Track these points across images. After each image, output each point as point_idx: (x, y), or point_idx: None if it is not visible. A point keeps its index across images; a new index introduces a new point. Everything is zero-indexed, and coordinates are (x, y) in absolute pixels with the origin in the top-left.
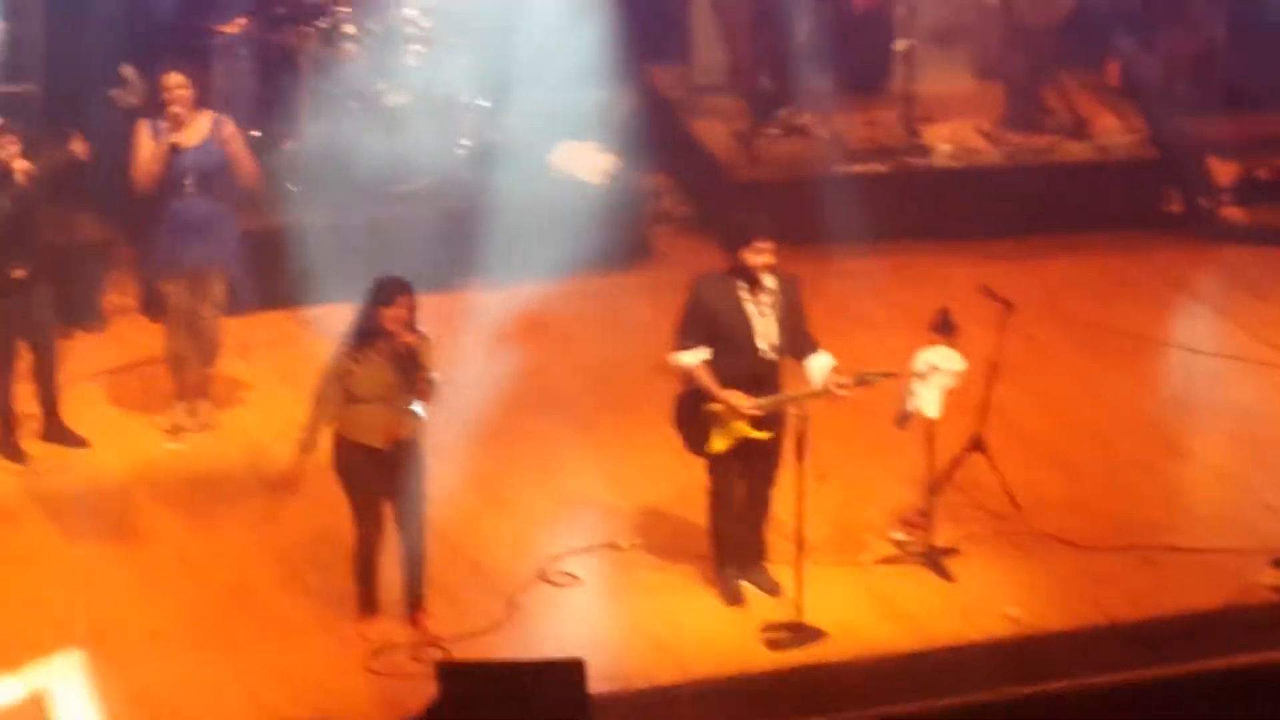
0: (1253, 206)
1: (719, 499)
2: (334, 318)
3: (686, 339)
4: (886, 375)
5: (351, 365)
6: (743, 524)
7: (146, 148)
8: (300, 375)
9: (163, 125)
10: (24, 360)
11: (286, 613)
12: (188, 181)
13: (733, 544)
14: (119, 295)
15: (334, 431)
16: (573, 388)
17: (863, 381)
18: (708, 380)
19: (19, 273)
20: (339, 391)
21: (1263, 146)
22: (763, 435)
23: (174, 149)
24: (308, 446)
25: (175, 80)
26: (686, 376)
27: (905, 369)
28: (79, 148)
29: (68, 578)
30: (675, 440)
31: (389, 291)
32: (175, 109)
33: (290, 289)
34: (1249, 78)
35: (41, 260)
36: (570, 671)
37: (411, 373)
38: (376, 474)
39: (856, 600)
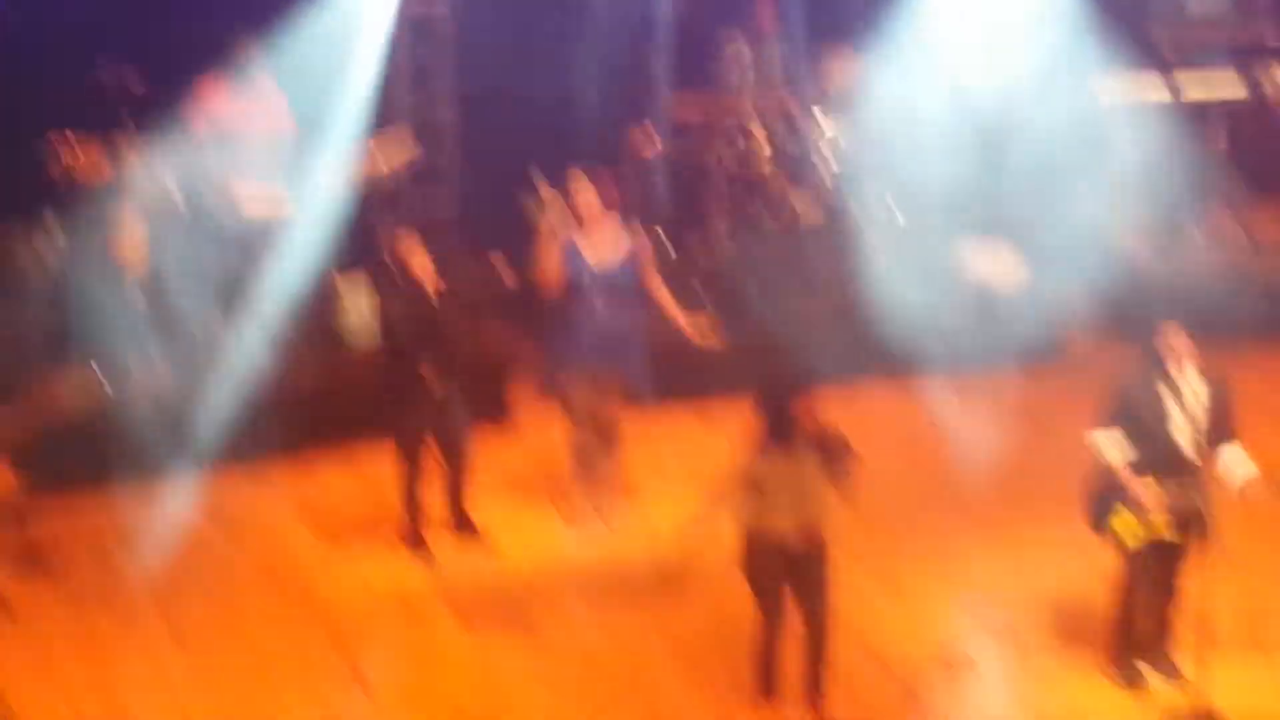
0: None
1: (1129, 590)
2: (735, 411)
3: (1106, 424)
4: None
5: (762, 459)
6: (1149, 611)
7: (557, 260)
8: (703, 469)
9: (579, 240)
10: (438, 461)
11: (683, 705)
12: (598, 296)
13: (1137, 631)
14: (523, 388)
15: (742, 525)
16: (974, 482)
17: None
18: (1120, 465)
19: (435, 376)
20: (748, 486)
21: None
22: (1174, 535)
23: (586, 264)
24: (706, 537)
25: (586, 190)
26: (1099, 457)
27: None
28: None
29: (468, 670)
30: (1076, 535)
31: (800, 382)
32: (588, 218)
33: (693, 382)
34: None
35: (453, 367)
36: None
37: (832, 462)
38: (785, 566)
39: (1264, 689)
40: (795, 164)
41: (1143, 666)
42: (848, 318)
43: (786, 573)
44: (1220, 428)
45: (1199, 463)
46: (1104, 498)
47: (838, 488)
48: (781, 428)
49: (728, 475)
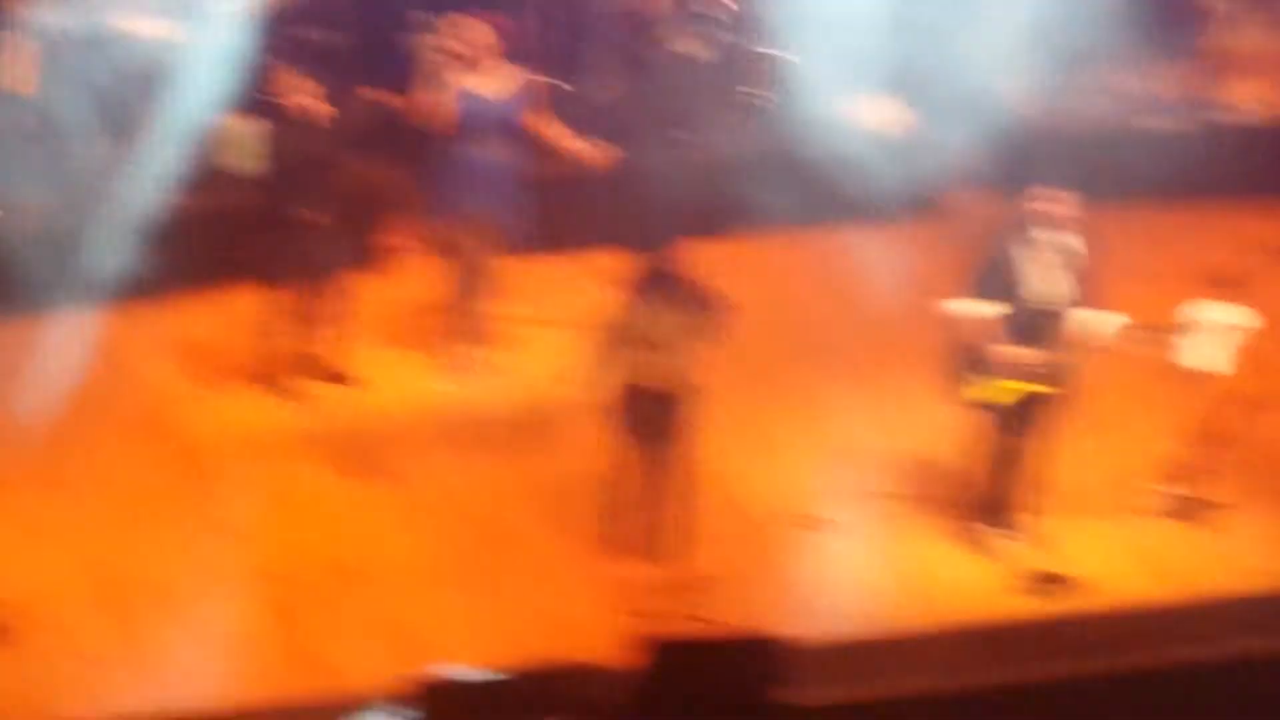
0: None
1: (986, 453)
2: (615, 262)
3: (971, 289)
4: (1167, 334)
5: (635, 309)
6: (1010, 475)
7: (447, 90)
8: (577, 319)
9: (468, 73)
10: (310, 301)
11: (545, 552)
12: (488, 131)
13: (996, 496)
14: (402, 235)
15: (614, 375)
16: (845, 335)
17: (1146, 338)
18: (990, 335)
19: (314, 216)
20: (620, 335)
21: None
22: (1040, 389)
23: (477, 96)
24: (582, 386)
25: (476, 28)
26: (971, 327)
27: (1191, 324)
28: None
29: (334, 513)
30: (944, 391)
31: (676, 235)
32: (479, 58)
33: (573, 233)
34: None
35: (335, 204)
36: (770, 648)
37: (704, 315)
38: (653, 416)
39: (1119, 552)
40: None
41: (998, 527)
42: (731, 164)
43: (653, 423)
44: (1084, 286)
45: (1064, 324)
46: (964, 360)
47: (708, 339)
48: (655, 278)
49: (601, 324)
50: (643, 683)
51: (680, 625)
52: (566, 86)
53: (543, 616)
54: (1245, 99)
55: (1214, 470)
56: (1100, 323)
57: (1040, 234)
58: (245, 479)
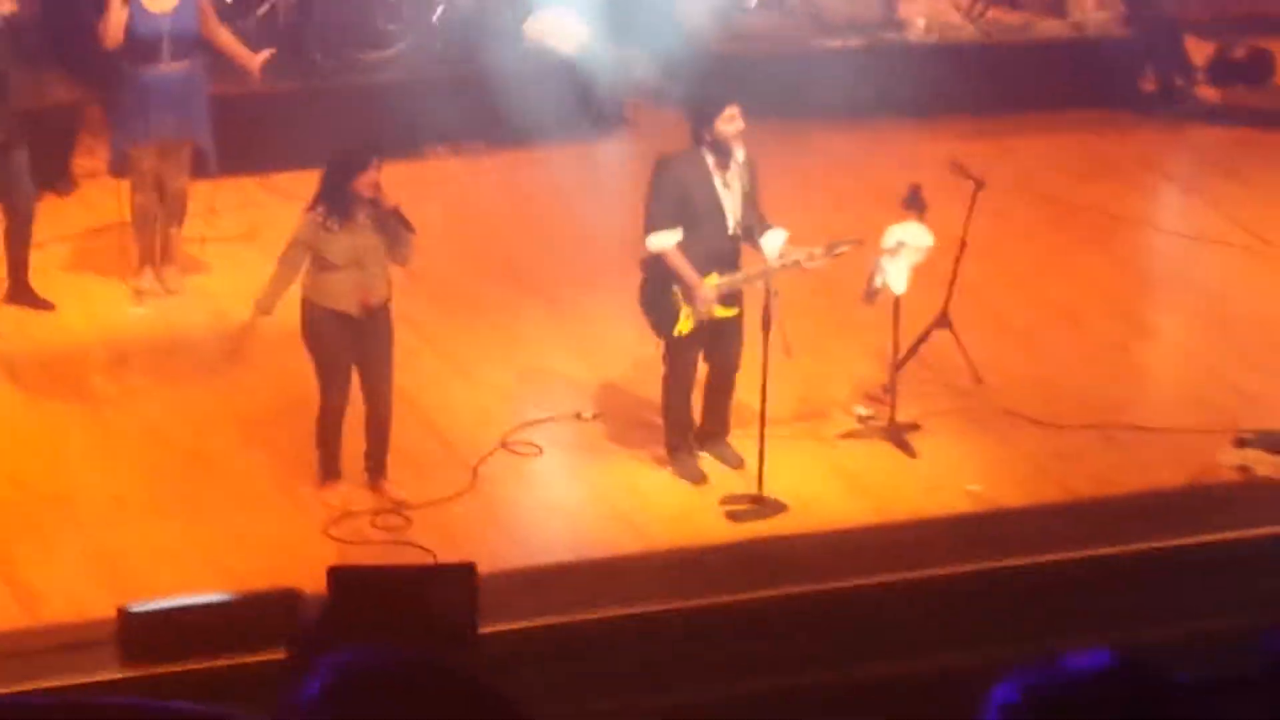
0: (1227, 87)
1: (678, 379)
2: (301, 184)
3: (658, 219)
4: (855, 244)
5: (323, 231)
6: (707, 400)
7: (115, 7)
8: (268, 241)
9: None
10: None
11: (247, 477)
12: (160, 46)
13: (691, 421)
14: (88, 158)
15: (304, 298)
16: (540, 259)
17: (831, 251)
18: (680, 264)
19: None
20: (309, 258)
21: (1238, 26)
22: (729, 313)
23: (145, 11)
24: (265, 309)
25: None
26: (659, 259)
27: (874, 244)
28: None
29: (29, 440)
30: (640, 314)
31: (363, 156)
32: None
33: (259, 154)
34: None
35: (14, 123)
36: (462, 576)
37: (392, 236)
38: (347, 340)
39: (818, 474)
40: None
41: (699, 451)
42: (413, 82)
43: (348, 345)
44: (755, 208)
45: (749, 245)
46: (658, 295)
47: (398, 261)
48: (342, 199)
49: (289, 247)
50: (337, 611)
51: (382, 551)
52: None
53: (247, 543)
54: (914, 17)
55: (905, 390)
56: (773, 244)
57: (721, 154)
58: None
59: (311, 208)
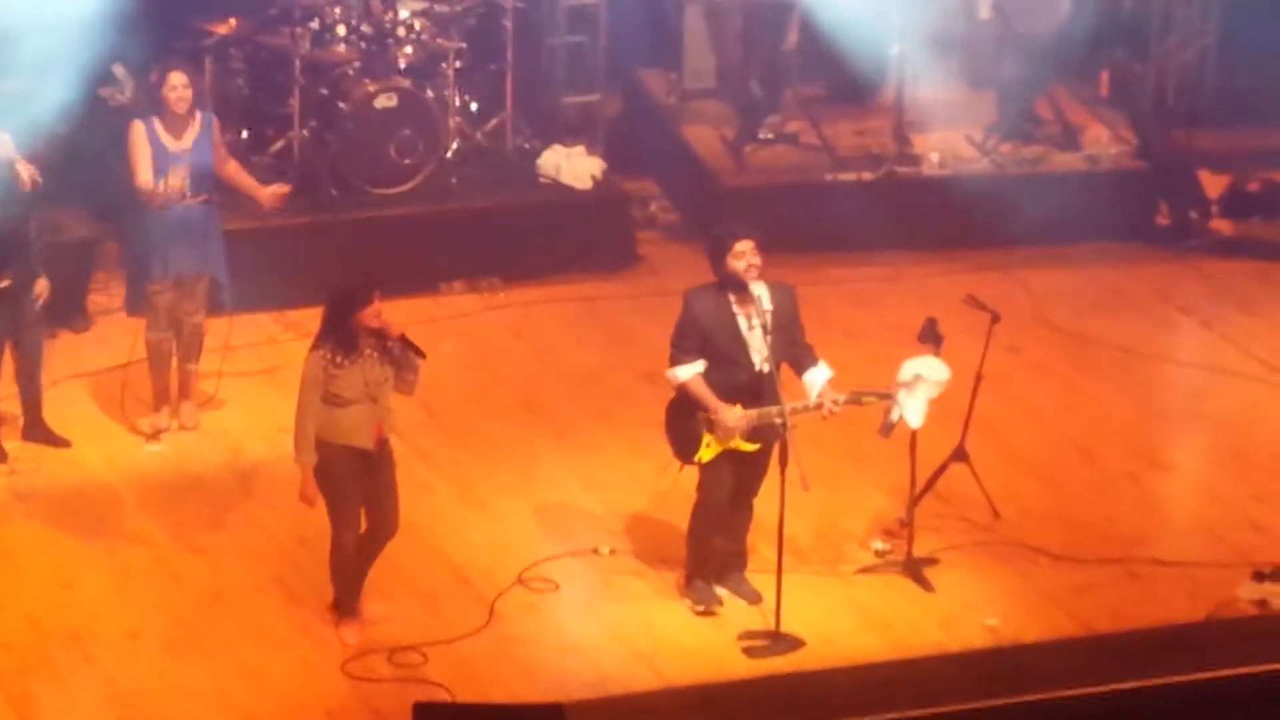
0: (1241, 220)
1: (706, 509)
2: (317, 319)
3: (681, 352)
4: (882, 397)
5: (332, 368)
6: (726, 533)
7: (144, 151)
8: (284, 377)
9: (157, 125)
10: (9, 360)
11: (263, 615)
12: (185, 183)
13: (713, 553)
14: (103, 295)
15: (318, 438)
16: (554, 394)
17: (855, 400)
18: (703, 392)
19: (7, 281)
20: (321, 396)
21: (1251, 159)
22: (751, 447)
23: (163, 149)
24: (307, 460)
25: (179, 80)
26: (682, 389)
27: (890, 378)
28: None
29: (44, 578)
30: (655, 448)
31: (364, 291)
32: (178, 110)
33: (275, 289)
34: (1239, 90)
35: (31, 261)
36: (549, 716)
37: (400, 365)
38: (360, 474)
39: (836, 609)
40: (372, 48)
41: (719, 588)
42: (428, 216)
43: (362, 480)
44: (794, 344)
45: (773, 379)
46: (683, 422)
47: (403, 391)
48: (347, 335)
49: (304, 391)
50: None
51: (399, 689)
52: (245, 135)
53: (263, 681)
54: (928, 150)
55: (922, 524)
56: (814, 382)
57: (739, 290)
58: None
59: (316, 347)
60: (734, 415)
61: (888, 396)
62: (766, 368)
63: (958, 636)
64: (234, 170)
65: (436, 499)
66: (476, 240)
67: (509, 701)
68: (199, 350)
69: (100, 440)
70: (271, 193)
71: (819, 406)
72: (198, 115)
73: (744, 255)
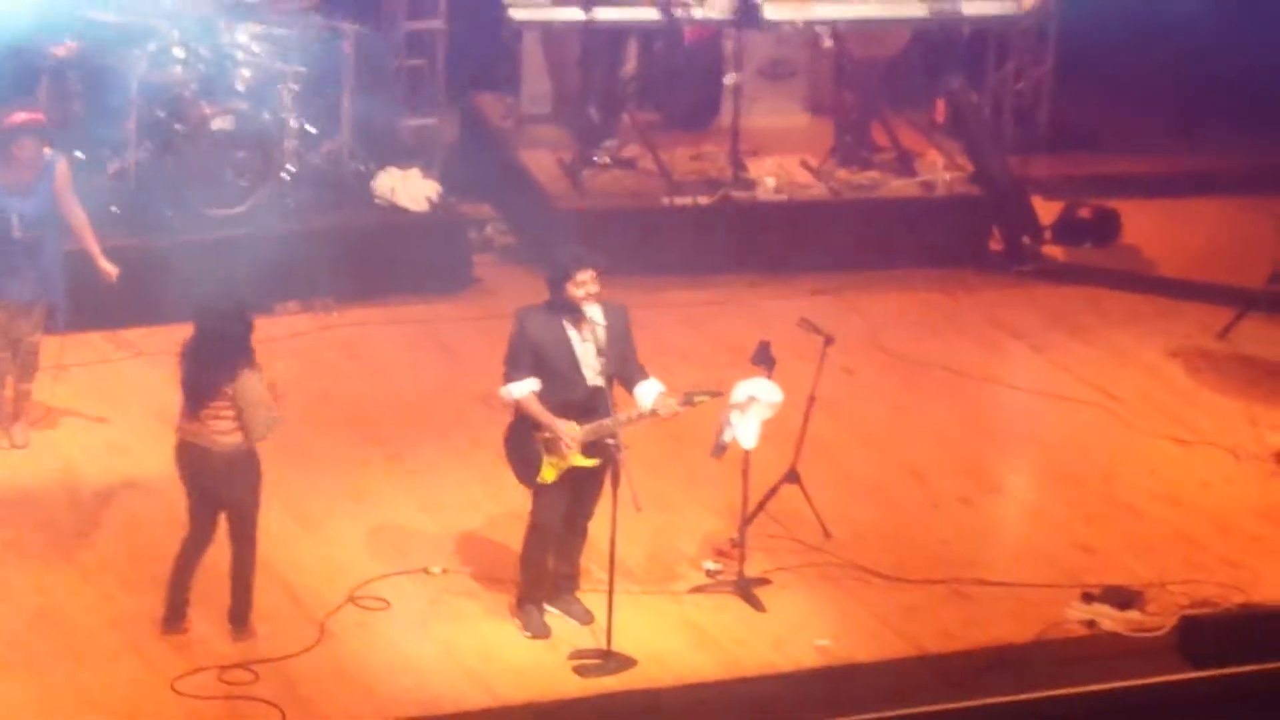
0: (1073, 246)
1: (540, 531)
2: (151, 339)
3: (514, 371)
4: (712, 395)
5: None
6: (559, 553)
7: None
8: (115, 396)
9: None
10: None
11: (94, 634)
12: (16, 221)
13: (546, 575)
14: None
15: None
16: (388, 415)
17: (689, 402)
18: (538, 410)
19: None
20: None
21: (1084, 186)
22: (591, 462)
23: (4, 187)
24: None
25: (31, 145)
26: (516, 408)
27: (723, 400)
28: None
29: None
30: (489, 470)
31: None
32: (22, 170)
33: (109, 310)
34: (1073, 119)
35: None
36: None
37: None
38: (214, 492)
39: (668, 629)
40: (210, 70)
41: (551, 608)
42: (263, 237)
43: (215, 496)
44: (626, 361)
45: (606, 394)
46: (521, 444)
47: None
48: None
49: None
50: None
51: (229, 706)
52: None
53: (93, 700)
54: (763, 176)
55: (754, 545)
56: (646, 395)
57: (574, 313)
58: None
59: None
60: (570, 430)
61: (718, 395)
62: (600, 382)
63: (789, 656)
64: (81, 224)
65: (267, 517)
66: (312, 261)
67: None
68: (34, 370)
69: None
70: (106, 269)
71: (653, 413)
72: (45, 156)
73: (584, 285)
